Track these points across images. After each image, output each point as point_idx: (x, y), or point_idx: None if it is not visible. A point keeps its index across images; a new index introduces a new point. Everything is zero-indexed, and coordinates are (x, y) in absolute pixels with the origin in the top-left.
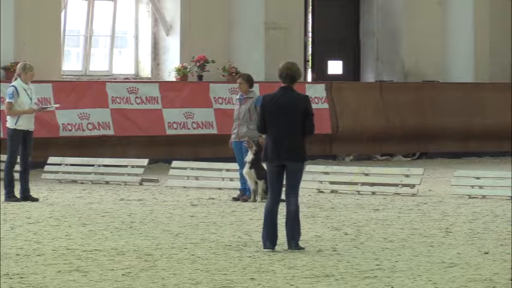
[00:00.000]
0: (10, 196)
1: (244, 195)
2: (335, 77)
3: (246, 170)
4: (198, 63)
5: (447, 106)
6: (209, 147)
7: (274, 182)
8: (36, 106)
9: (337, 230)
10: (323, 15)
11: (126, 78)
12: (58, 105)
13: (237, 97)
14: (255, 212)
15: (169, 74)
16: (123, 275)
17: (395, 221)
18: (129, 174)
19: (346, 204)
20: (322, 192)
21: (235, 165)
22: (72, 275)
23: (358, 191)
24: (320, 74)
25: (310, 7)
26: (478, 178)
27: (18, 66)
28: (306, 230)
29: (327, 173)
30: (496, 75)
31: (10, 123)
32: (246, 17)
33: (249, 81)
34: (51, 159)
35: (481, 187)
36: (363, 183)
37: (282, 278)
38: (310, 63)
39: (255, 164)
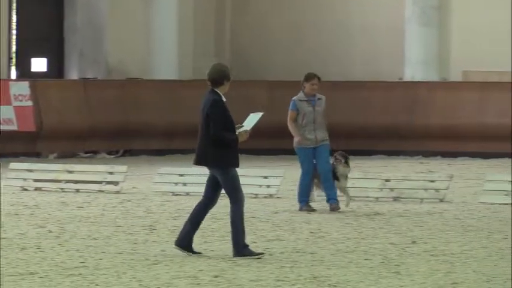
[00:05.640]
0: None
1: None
2: (39, 75)
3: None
4: None
5: (151, 103)
6: None
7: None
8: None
9: (41, 228)
10: (26, 13)
11: None
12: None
13: (304, 98)
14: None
15: None
16: None
17: (100, 218)
18: None
19: (50, 201)
20: (26, 190)
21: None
22: None
23: (62, 189)
24: (24, 72)
25: (14, 4)
26: (181, 175)
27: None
28: (10, 228)
29: (31, 171)
30: (199, 73)
31: None
32: None
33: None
34: None
35: (184, 184)
36: (67, 181)
37: None
38: (14, 60)
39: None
